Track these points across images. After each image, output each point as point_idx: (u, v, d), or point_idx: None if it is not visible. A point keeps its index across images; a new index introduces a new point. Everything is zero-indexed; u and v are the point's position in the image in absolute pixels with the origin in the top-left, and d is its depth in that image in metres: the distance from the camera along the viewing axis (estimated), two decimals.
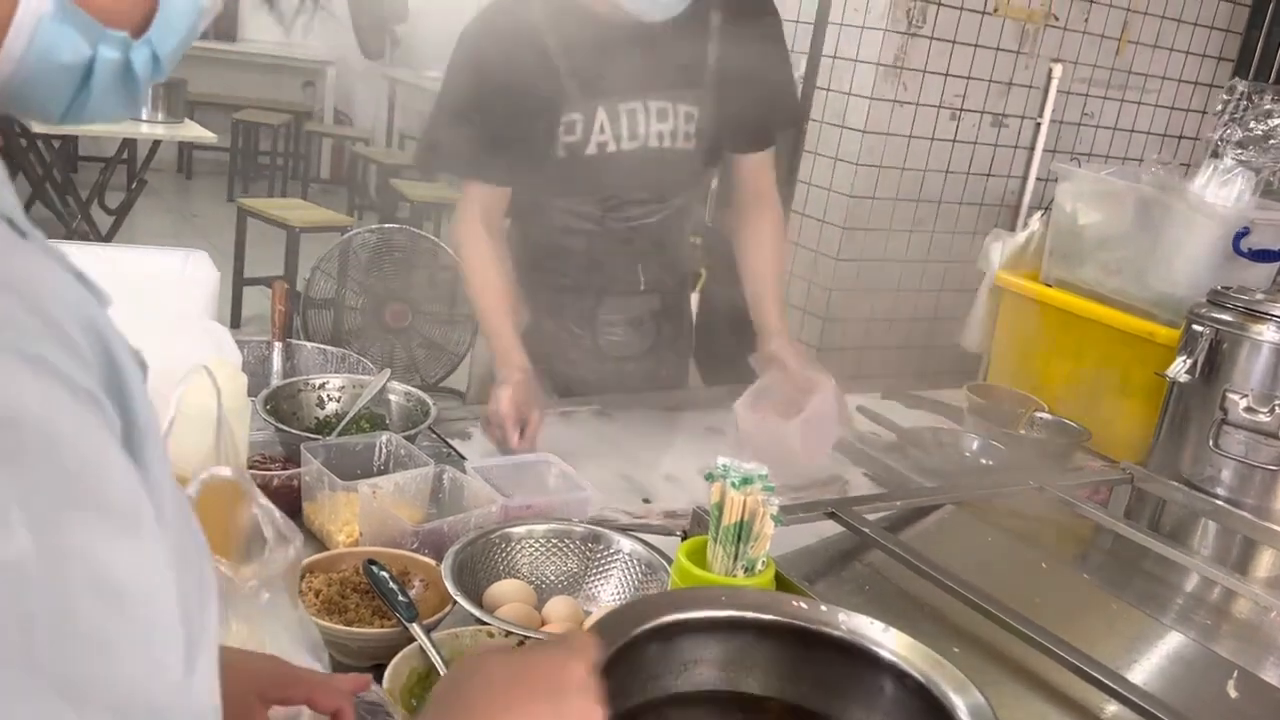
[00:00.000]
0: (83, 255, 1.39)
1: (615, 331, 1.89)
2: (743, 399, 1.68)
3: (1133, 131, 3.55)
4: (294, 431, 1.41)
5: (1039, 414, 2.11)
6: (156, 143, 4.25)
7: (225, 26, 7.53)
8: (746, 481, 1.05)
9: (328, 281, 3.88)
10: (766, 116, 1.87)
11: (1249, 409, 1.44)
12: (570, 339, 1.90)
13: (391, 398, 1.58)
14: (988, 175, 3.27)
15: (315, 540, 1.31)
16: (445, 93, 1.74)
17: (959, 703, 0.82)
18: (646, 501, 1.53)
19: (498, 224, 1.80)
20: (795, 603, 0.97)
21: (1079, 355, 2.25)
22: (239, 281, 4.58)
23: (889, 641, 0.91)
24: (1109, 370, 2.17)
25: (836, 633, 0.93)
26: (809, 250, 3.18)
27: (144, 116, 3.95)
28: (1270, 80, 3.77)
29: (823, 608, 0.96)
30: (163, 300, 1.31)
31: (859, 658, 0.91)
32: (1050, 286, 2.34)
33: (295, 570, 0.90)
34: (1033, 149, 3.29)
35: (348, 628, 1.06)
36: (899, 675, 0.88)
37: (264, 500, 0.91)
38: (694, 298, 3.33)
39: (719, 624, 0.96)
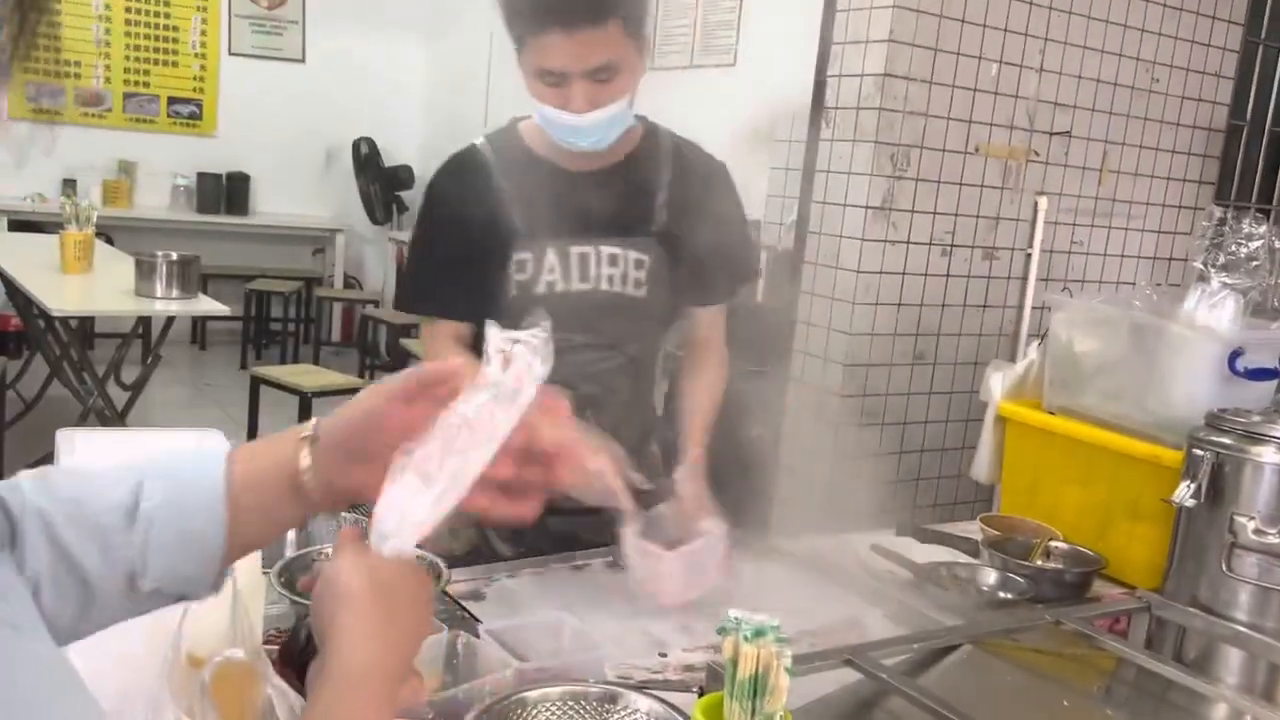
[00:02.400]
0: (100, 440, 1.42)
1: None
2: (631, 526, 1.66)
3: (1123, 257, 3.63)
4: (304, 602, 1.42)
5: (1054, 543, 2.10)
6: (171, 318, 4.36)
7: (237, 203, 7.81)
8: (759, 634, 1.05)
9: None
10: (722, 272, 1.94)
11: (1258, 531, 1.45)
12: None
13: None
14: (983, 306, 3.33)
15: None
16: (414, 237, 1.89)
17: None
18: (662, 655, 1.52)
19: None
20: None
21: (1088, 482, 2.25)
22: None
23: None
24: (1119, 495, 2.17)
25: None
26: (813, 388, 3.22)
27: (159, 294, 4.07)
28: (1252, 201, 3.88)
29: None
30: None
31: None
32: (1054, 414, 2.37)
33: None
34: (1025, 279, 3.36)
35: None
36: None
37: (278, 680, 0.92)
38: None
39: None
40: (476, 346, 1.85)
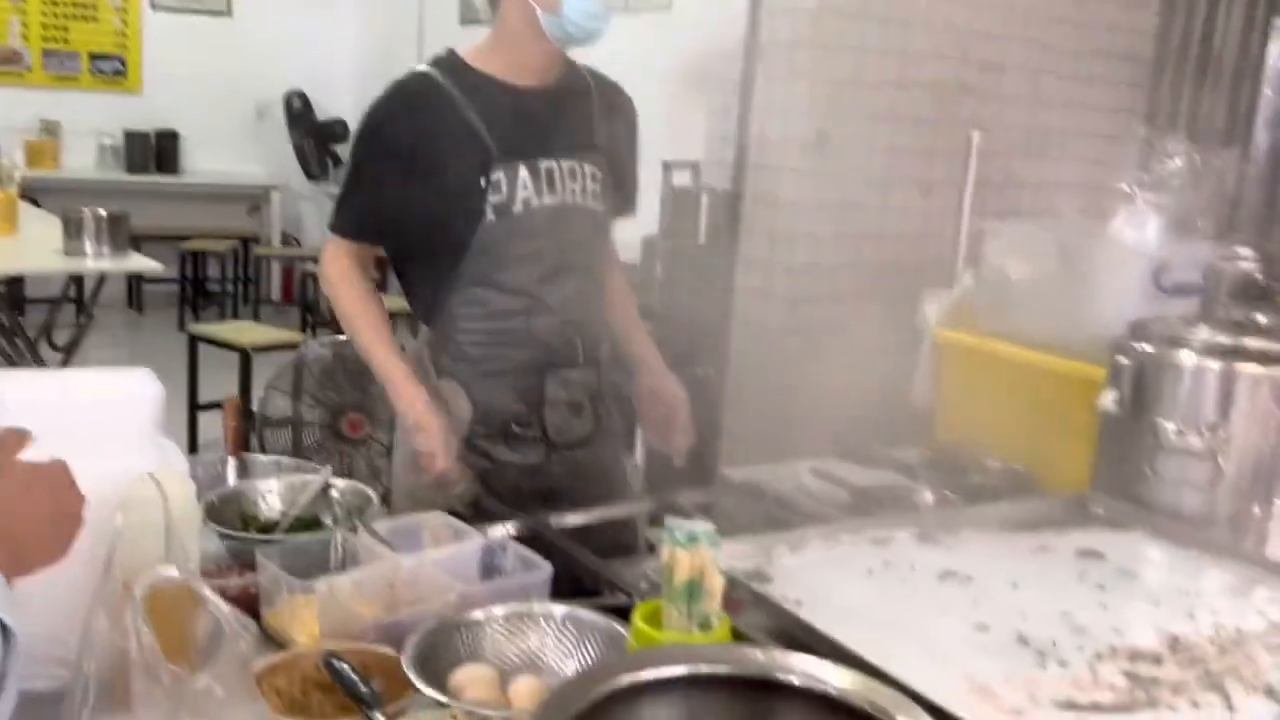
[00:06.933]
0: (27, 381, 1.39)
1: (559, 413, 1.90)
2: None
3: (1056, 186, 3.67)
4: (242, 535, 1.42)
5: (989, 462, 2.16)
6: (102, 277, 4.27)
7: (168, 161, 7.62)
8: (692, 539, 1.07)
9: (282, 399, 3.87)
10: (629, 188, 2.04)
11: (1179, 433, 1.49)
12: (519, 429, 1.91)
13: (334, 494, 1.60)
14: (919, 238, 3.36)
15: (278, 645, 1.30)
16: (356, 164, 1.88)
17: None
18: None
19: (366, 275, 1.94)
20: (751, 653, 0.99)
21: (1023, 403, 2.30)
22: (194, 407, 4.57)
23: (837, 679, 0.93)
24: (1052, 413, 2.21)
25: (789, 678, 0.94)
26: (755, 324, 3.25)
27: (89, 252, 3.98)
28: (1181, 130, 3.94)
29: (776, 654, 0.98)
30: (108, 420, 1.31)
31: (814, 700, 0.93)
32: (987, 339, 2.41)
33: (248, 664, 0.90)
34: (960, 211, 3.39)
35: None
36: (843, 709, 0.90)
37: (214, 598, 0.92)
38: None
39: (677, 682, 0.97)
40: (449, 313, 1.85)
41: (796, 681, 0.94)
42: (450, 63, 1.84)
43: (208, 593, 0.91)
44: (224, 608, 0.90)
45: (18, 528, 0.90)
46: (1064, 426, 2.16)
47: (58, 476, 0.96)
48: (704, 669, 0.96)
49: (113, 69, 7.60)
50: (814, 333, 3.23)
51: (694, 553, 1.07)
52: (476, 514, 1.85)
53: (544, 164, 1.82)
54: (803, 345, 3.21)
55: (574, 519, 1.84)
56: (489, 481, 1.89)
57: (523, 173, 1.80)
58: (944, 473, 2.13)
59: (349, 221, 1.89)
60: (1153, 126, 3.86)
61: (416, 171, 1.78)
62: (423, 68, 1.84)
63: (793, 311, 3.18)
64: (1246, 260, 2.76)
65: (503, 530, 1.61)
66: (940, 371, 2.52)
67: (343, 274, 1.89)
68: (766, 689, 0.95)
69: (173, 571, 0.90)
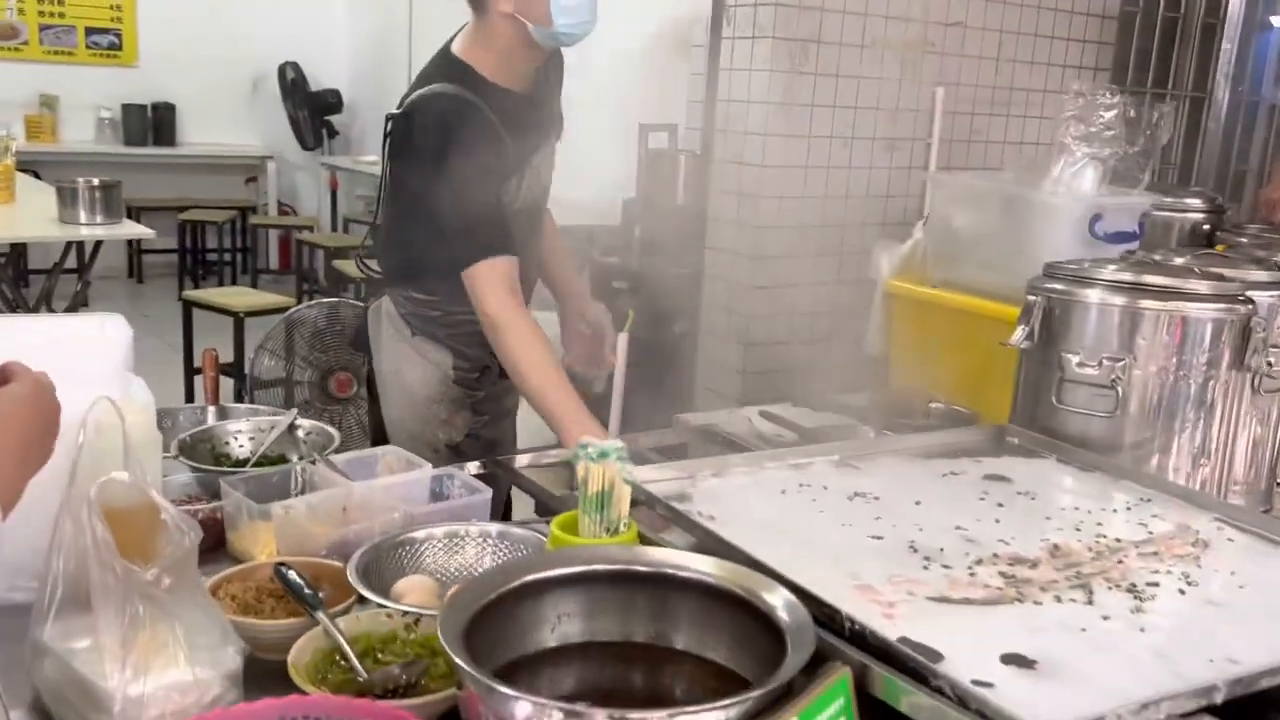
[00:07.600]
0: (4, 322, 1.50)
1: None
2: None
3: (1022, 144, 3.75)
4: (210, 469, 1.54)
5: (933, 404, 2.27)
6: (98, 244, 4.39)
7: (165, 133, 7.72)
8: (603, 455, 1.18)
9: (274, 361, 4.00)
10: (558, 122, 2.14)
11: (1081, 364, 1.60)
12: (492, 380, 2.08)
13: (300, 434, 1.71)
14: (886, 196, 3.45)
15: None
16: (441, 190, 1.85)
17: (775, 603, 0.96)
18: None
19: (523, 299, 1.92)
20: (643, 551, 1.10)
21: (968, 348, 2.41)
22: (189, 370, 4.70)
23: (716, 569, 1.04)
24: (994, 358, 2.32)
25: (676, 571, 1.06)
26: (724, 280, 3.35)
27: (83, 220, 4.10)
28: (1148, 86, 4.01)
29: (667, 553, 1.09)
30: (79, 361, 1.41)
31: (697, 589, 1.05)
32: (936, 288, 2.51)
33: (193, 556, 1.02)
34: (926, 168, 3.48)
35: (260, 620, 1.18)
36: (721, 594, 1.02)
37: (163, 502, 1.03)
38: (622, 338, 3.49)
39: (579, 577, 1.08)
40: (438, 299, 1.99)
41: (681, 574, 1.05)
42: (466, 76, 1.89)
43: (156, 496, 1.03)
44: (171, 509, 1.02)
45: (26, 431, 1.03)
46: (1004, 369, 2.27)
47: (46, 387, 1.08)
48: (600, 566, 1.07)
49: (109, 42, 7.68)
50: (780, 289, 3.33)
51: (604, 466, 1.18)
52: (465, 450, 2.05)
53: (535, 160, 2.01)
54: (769, 301, 3.31)
55: (537, 458, 2.00)
56: (476, 410, 2.09)
57: (528, 176, 1.98)
58: (890, 415, 2.24)
59: (492, 242, 1.85)
60: (1119, 83, 3.92)
61: (485, 186, 1.89)
62: (452, 89, 1.87)
63: (760, 269, 3.28)
64: (1193, 210, 2.87)
65: (466, 467, 1.75)
66: (891, 320, 2.62)
67: (513, 317, 1.84)
68: (657, 582, 1.07)
69: (124, 475, 1.02)
